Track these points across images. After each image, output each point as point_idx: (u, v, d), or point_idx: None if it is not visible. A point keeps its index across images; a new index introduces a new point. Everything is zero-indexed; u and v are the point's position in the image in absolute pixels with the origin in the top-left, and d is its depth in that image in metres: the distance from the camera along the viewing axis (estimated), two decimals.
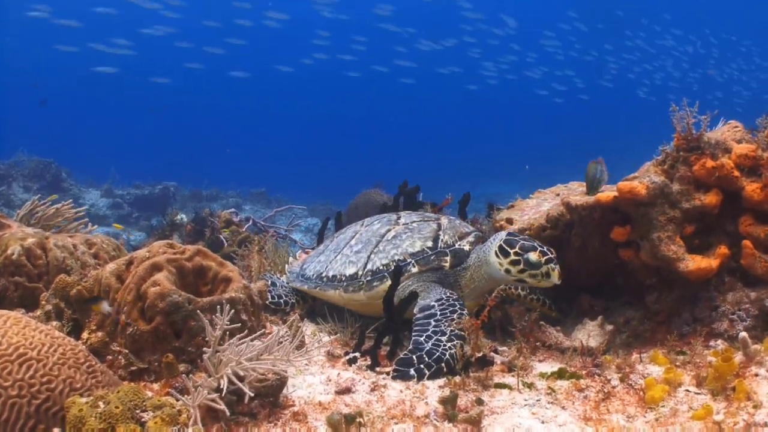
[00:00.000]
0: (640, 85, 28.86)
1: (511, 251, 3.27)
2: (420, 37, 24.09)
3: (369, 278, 3.62)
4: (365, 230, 4.00)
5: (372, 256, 3.70)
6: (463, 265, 3.60)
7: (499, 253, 3.33)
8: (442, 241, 3.65)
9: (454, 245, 3.63)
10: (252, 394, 2.27)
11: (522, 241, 3.30)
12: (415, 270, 3.56)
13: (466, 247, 3.62)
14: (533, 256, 3.21)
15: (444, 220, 3.85)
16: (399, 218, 4.00)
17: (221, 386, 2.20)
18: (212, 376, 2.26)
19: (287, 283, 4.27)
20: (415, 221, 3.88)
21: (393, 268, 3.52)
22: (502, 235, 3.44)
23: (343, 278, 3.73)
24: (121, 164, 16.32)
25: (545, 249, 3.25)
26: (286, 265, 4.66)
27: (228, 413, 2.22)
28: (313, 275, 3.98)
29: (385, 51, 25.24)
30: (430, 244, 3.64)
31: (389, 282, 3.46)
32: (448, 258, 3.58)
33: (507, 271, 3.30)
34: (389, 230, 3.84)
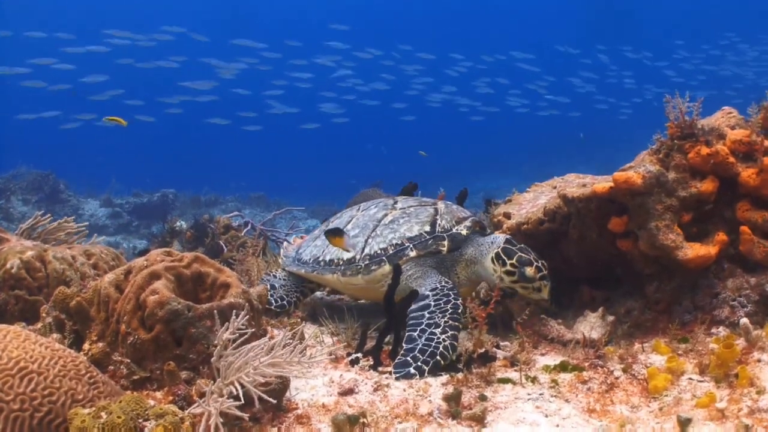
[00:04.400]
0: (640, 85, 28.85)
1: (508, 262, 3.35)
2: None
3: (367, 262, 3.63)
4: (362, 215, 4.01)
5: (369, 240, 3.71)
6: (461, 250, 3.63)
7: (495, 261, 3.40)
8: (439, 225, 3.66)
9: (451, 230, 3.65)
10: (273, 400, 2.28)
11: (520, 253, 3.35)
12: (412, 254, 3.57)
13: (464, 232, 3.64)
14: (529, 271, 3.31)
15: (441, 205, 3.86)
16: (396, 203, 4.01)
17: (234, 392, 2.20)
18: (222, 382, 2.26)
19: (284, 267, 4.29)
20: (412, 206, 3.89)
21: (391, 252, 3.56)
22: (500, 241, 3.46)
23: (341, 262, 3.74)
24: (120, 173, 16.33)
25: (540, 264, 3.33)
26: (282, 250, 4.68)
27: (247, 419, 2.23)
28: (309, 259, 3.99)
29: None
30: (427, 228, 3.65)
31: (387, 266, 3.53)
32: (445, 242, 3.59)
33: (500, 278, 3.37)
34: (386, 215, 3.85)
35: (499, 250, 3.39)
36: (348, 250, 3.67)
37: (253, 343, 2.36)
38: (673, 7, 33.41)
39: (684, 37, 30.15)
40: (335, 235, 3.51)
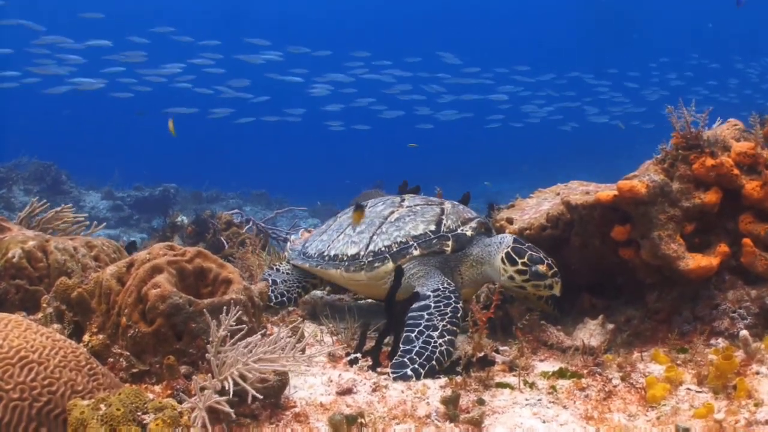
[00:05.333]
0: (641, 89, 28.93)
1: (519, 261, 3.34)
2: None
3: (370, 259, 3.65)
4: (369, 211, 4.02)
5: (374, 237, 3.73)
6: (465, 251, 3.63)
7: (505, 260, 3.39)
8: (444, 225, 3.67)
9: (456, 230, 3.65)
10: (260, 396, 2.27)
11: (530, 252, 3.35)
12: (416, 253, 3.58)
13: (469, 233, 3.64)
14: (541, 269, 3.30)
15: (447, 205, 3.87)
16: (403, 201, 4.03)
17: (226, 388, 2.20)
18: (216, 378, 2.26)
19: (289, 260, 4.31)
20: (418, 204, 3.91)
21: (395, 250, 3.59)
22: (509, 241, 3.46)
23: (345, 258, 3.76)
24: (121, 167, 16.34)
25: (551, 262, 3.34)
26: (288, 243, 4.74)
27: (234, 416, 2.23)
28: (314, 254, 4.02)
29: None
30: (432, 227, 3.66)
31: (390, 264, 3.55)
32: (450, 242, 3.60)
33: (511, 278, 3.37)
34: (393, 212, 3.86)
35: (509, 249, 3.39)
36: None
37: (247, 339, 2.36)
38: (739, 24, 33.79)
39: (743, 53, 30.39)
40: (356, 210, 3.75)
